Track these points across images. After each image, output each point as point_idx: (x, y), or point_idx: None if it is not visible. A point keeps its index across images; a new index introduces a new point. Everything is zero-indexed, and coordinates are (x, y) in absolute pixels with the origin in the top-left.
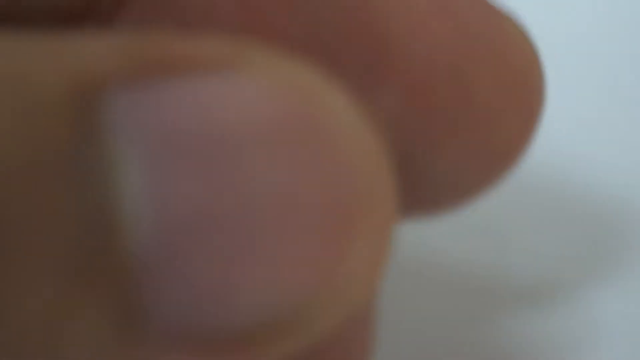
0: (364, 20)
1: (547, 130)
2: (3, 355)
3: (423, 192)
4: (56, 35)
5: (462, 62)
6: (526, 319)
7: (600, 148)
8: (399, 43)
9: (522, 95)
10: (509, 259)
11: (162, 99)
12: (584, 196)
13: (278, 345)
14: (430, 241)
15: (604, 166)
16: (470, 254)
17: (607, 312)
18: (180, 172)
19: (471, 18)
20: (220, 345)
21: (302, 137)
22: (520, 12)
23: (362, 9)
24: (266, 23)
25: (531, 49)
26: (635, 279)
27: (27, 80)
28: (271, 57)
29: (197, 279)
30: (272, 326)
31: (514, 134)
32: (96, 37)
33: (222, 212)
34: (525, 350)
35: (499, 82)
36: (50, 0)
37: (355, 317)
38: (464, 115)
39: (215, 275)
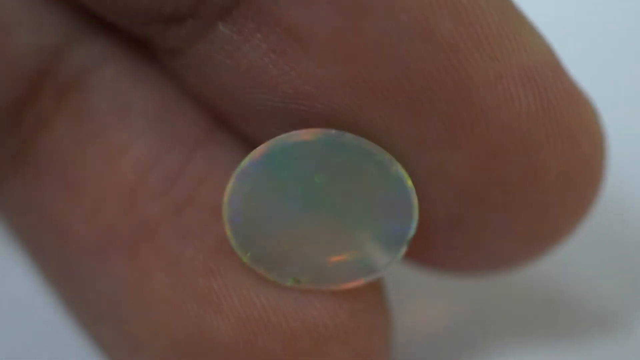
0: (453, 78)
1: None
2: None
3: (467, 255)
4: None
5: (538, 138)
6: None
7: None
8: (482, 107)
9: (582, 185)
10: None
11: None
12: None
13: None
14: None
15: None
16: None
17: None
18: None
19: (556, 97)
20: None
21: None
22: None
23: (453, 67)
24: (361, 60)
25: (602, 141)
26: None
27: None
28: None
29: None
30: None
31: (564, 219)
32: None
33: None
34: None
35: (566, 167)
36: (153, 4)
37: None
38: (525, 190)
39: None
